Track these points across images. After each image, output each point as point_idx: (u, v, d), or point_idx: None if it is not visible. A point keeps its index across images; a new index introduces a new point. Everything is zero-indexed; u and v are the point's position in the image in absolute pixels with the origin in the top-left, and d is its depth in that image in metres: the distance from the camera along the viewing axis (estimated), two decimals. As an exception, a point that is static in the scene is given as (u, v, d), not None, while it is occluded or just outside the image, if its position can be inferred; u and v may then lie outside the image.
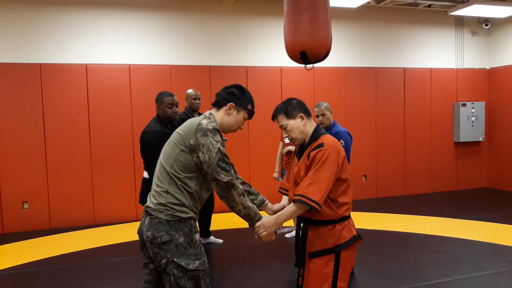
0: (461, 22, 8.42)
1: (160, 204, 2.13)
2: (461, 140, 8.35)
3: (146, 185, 3.64)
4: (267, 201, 2.53)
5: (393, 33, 8.02)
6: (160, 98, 3.76)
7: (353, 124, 7.43)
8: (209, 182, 2.17)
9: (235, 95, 2.27)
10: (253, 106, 2.33)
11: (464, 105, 8.30)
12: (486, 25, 8.39)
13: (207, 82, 6.78)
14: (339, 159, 2.18)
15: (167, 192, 2.13)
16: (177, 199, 2.12)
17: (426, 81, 8.22)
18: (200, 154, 2.07)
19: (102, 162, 6.40)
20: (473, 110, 8.38)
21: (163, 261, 2.10)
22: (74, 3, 6.30)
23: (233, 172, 2.11)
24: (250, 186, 2.56)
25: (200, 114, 4.89)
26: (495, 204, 7.22)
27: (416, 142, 8.20)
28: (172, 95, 3.80)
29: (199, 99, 4.81)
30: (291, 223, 4.95)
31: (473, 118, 8.39)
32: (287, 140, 5.14)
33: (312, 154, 2.19)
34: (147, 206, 2.19)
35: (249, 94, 2.33)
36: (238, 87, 2.31)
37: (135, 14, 6.58)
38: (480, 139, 8.51)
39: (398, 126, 8.07)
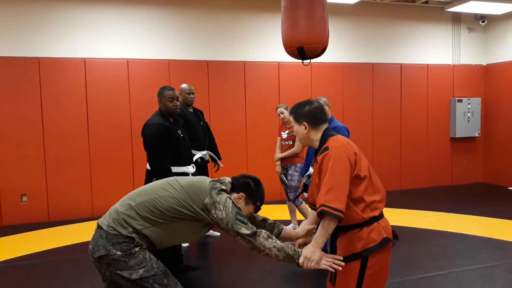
0: (458, 18, 8.46)
1: (115, 211, 2.11)
2: (457, 136, 8.41)
3: (149, 176, 3.70)
4: (284, 228, 2.40)
5: (390, 29, 8.05)
6: (161, 92, 3.83)
7: (350, 119, 7.47)
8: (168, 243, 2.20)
9: (250, 187, 2.24)
10: (261, 203, 2.30)
11: (460, 101, 8.35)
12: (483, 21, 8.42)
13: (205, 77, 6.79)
14: (350, 157, 2.08)
15: (132, 209, 2.09)
16: (131, 222, 2.08)
17: (422, 77, 8.26)
18: (217, 211, 2.05)
19: (100, 155, 6.43)
20: (469, 106, 8.43)
21: (107, 273, 2.07)
22: (72, -3, 6.31)
23: (250, 224, 2.09)
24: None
25: (194, 109, 4.94)
26: (490, 199, 7.29)
27: (412, 137, 8.25)
28: (172, 89, 3.86)
29: (193, 93, 4.83)
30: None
31: (469, 114, 8.45)
32: (284, 135, 5.18)
33: (319, 158, 2.13)
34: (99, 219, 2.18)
35: (262, 191, 2.29)
36: (255, 181, 2.28)
37: (134, 9, 6.59)
38: (476, 135, 8.57)
39: (394, 121, 8.12)
